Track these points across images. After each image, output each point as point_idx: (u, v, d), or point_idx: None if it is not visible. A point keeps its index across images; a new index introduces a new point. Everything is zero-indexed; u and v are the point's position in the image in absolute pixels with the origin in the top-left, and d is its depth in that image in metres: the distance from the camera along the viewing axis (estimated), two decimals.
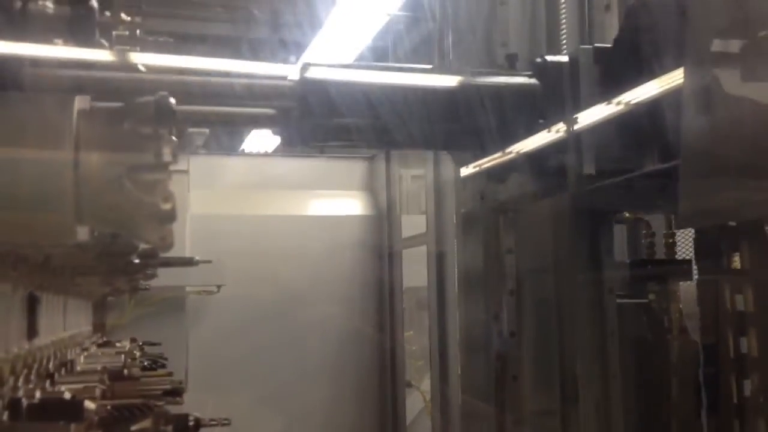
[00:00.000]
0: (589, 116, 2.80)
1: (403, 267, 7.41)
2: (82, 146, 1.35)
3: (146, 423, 2.08)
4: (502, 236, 3.01)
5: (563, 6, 3.24)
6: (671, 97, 2.52)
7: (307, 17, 7.79)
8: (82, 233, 1.41)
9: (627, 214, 3.32)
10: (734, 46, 2.14)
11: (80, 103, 1.40)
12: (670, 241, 3.17)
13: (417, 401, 7.37)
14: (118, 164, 1.36)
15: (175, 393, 2.78)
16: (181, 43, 8.34)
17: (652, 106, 2.60)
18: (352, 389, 7.48)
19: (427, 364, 6.74)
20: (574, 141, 2.80)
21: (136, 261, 2.91)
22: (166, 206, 1.39)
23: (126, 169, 1.35)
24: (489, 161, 3.03)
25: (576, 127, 2.76)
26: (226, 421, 2.68)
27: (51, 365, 3.05)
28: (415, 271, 6.69)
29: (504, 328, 3.04)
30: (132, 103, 1.39)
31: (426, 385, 6.92)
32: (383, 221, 7.60)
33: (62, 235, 1.41)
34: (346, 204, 7.81)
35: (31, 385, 2.47)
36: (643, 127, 2.67)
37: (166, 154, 1.39)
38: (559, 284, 2.90)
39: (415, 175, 8.00)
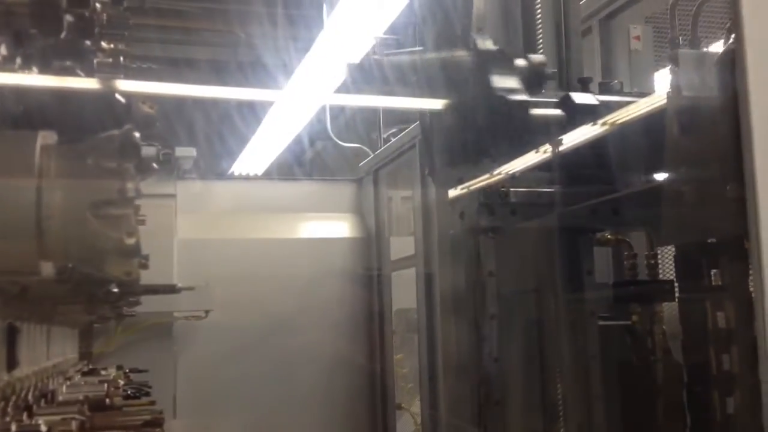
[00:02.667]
0: (573, 138, 2.82)
1: (392, 289, 7.39)
2: (46, 181, 1.34)
3: None
4: (483, 259, 2.93)
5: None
6: (648, 119, 2.54)
7: (294, 40, 7.83)
8: (47, 268, 1.39)
9: (609, 236, 3.33)
10: None
11: (44, 138, 1.39)
12: (652, 261, 3.17)
13: (407, 424, 7.32)
14: (82, 199, 1.35)
15: (155, 424, 2.75)
16: (169, 69, 8.36)
17: (630, 129, 2.63)
18: (342, 413, 7.43)
19: (417, 386, 6.71)
20: (554, 163, 2.82)
21: (116, 290, 2.88)
22: (130, 241, 1.38)
23: (90, 204, 1.34)
24: (472, 183, 3.03)
25: (560, 148, 2.78)
26: None
27: (30, 396, 3.02)
28: (404, 294, 6.67)
29: (487, 351, 3.01)
30: (96, 138, 1.38)
31: (416, 407, 6.88)
32: (372, 243, 7.58)
33: (26, 271, 1.40)
34: (335, 226, 7.80)
35: (7, 418, 2.45)
36: (623, 148, 2.68)
37: (131, 189, 1.38)
38: (540, 306, 2.90)
39: (404, 197, 7.99)
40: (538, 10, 3.05)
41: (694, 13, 2.72)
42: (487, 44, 2.41)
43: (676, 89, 2.33)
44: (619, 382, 2.92)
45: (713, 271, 2.72)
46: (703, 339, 2.61)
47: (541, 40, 2.99)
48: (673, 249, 3.07)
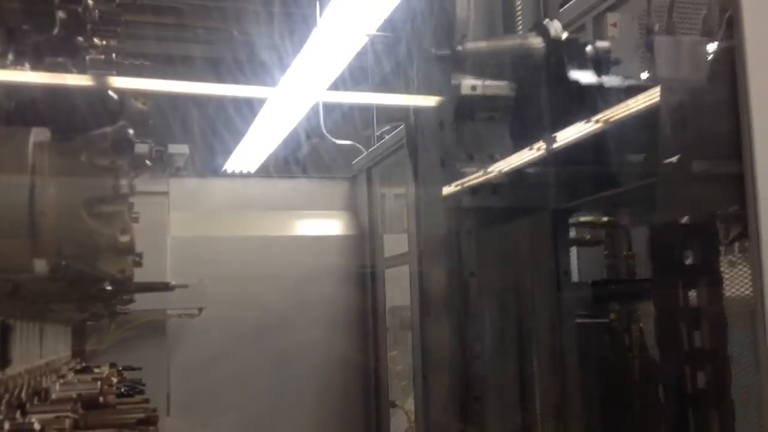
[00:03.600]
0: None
1: (386, 286, 7.39)
2: (39, 178, 1.34)
3: None
4: (465, 258, 2.99)
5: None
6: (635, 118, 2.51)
7: (287, 38, 7.81)
8: (40, 265, 1.39)
9: (588, 237, 3.32)
10: None
11: (37, 135, 1.38)
12: (630, 262, 3.17)
13: (401, 421, 7.32)
14: (76, 196, 1.34)
15: (149, 422, 2.74)
16: (164, 65, 8.34)
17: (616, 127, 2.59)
18: (337, 410, 7.43)
19: (411, 383, 6.71)
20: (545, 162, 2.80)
21: (109, 287, 2.87)
22: (124, 238, 1.37)
23: (83, 201, 1.33)
24: (461, 183, 3.01)
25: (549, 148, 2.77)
26: None
27: (24, 394, 3.00)
28: (398, 291, 6.67)
29: (468, 349, 3.01)
30: (90, 135, 1.37)
31: (410, 404, 6.88)
32: (365, 241, 7.58)
33: (20, 268, 1.39)
34: (328, 224, 7.79)
35: (0, 416, 2.44)
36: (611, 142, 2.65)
37: (124, 186, 1.37)
38: (519, 304, 2.92)
39: (397, 194, 7.99)
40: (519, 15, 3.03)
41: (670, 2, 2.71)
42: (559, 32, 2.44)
43: (652, 76, 2.36)
44: (596, 377, 2.93)
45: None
46: (677, 323, 2.68)
47: None
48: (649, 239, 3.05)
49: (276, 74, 7.90)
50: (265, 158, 9.68)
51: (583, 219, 3.11)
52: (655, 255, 2.85)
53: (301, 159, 10.98)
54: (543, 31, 2.47)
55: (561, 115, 2.44)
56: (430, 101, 5.14)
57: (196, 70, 8.68)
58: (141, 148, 2.85)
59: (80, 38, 2.68)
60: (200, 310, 6.87)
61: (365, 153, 7.73)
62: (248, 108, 8.51)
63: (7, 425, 2.28)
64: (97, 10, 2.63)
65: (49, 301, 3.32)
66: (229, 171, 9.83)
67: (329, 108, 8.39)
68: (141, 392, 3.72)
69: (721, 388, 2.61)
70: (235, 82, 8.39)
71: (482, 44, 2.55)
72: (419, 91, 2.97)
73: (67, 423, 2.47)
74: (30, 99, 2.14)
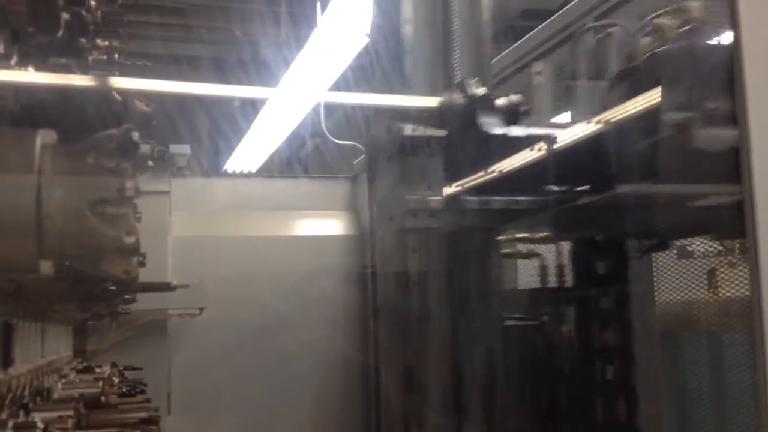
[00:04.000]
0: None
1: None
2: (45, 180, 1.35)
3: None
4: (409, 263, 3.51)
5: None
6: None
7: (288, 38, 7.82)
8: (46, 267, 1.40)
9: (523, 250, 3.76)
10: None
11: (44, 137, 1.39)
12: (560, 271, 3.43)
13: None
14: (81, 198, 1.35)
15: (151, 422, 2.75)
16: (165, 65, 8.35)
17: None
18: (337, 411, 7.42)
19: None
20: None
21: (112, 288, 2.88)
22: (129, 240, 1.38)
23: (89, 202, 1.35)
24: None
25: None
26: None
27: (26, 394, 3.02)
28: None
29: (409, 347, 3.49)
30: (95, 137, 1.39)
31: None
32: (366, 241, 7.58)
33: (26, 269, 1.40)
34: (330, 224, 7.78)
35: (3, 415, 2.45)
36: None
37: (130, 188, 1.39)
38: (456, 309, 3.35)
39: None
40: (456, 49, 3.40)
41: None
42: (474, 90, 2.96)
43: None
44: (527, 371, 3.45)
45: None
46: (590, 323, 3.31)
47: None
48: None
49: (277, 74, 7.92)
50: (266, 158, 9.69)
51: (519, 235, 3.59)
52: (574, 266, 3.48)
53: (303, 159, 10.99)
54: (463, 89, 3.04)
55: (477, 156, 2.94)
56: (431, 102, 5.17)
57: (198, 71, 8.70)
58: (143, 148, 2.86)
59: (83, 39, 2.70)
60: (201, 310, 6.87)
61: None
62: (249, 108, 8.53)
63: (10, 424, 2.29)
64: (99, 11, 2.64)
65: (52, 301, 3.34)
66: (230, 171, 9.85)
67: (330, 108, 8.40)
68: (143, 392, 3.73)
69: (626, 380, 3.22)
70: (237, 82, 8.41)
71: None
72: (373, 132, 3.34)
73: (70, 422, 2.48)
74: (34, 100, 2.16)
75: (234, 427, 6.86)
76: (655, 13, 2.85)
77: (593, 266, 3.24)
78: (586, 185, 2.74)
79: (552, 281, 3.67)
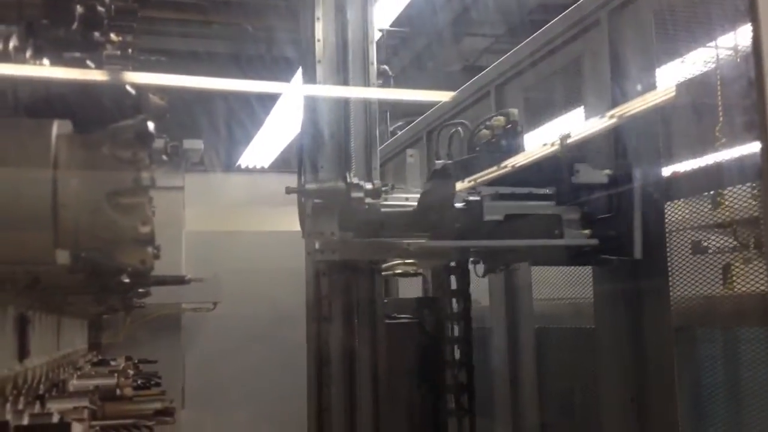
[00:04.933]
0: None
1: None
2: (61, 170, 1.35)
3: None
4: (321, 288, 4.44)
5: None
6: None
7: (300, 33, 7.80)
8: (63, 256, 1.40)
9: (412, 271, 5.03)
10: None
11: (60, 127, 1.40)
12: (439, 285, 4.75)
13: None
14: (97, 188, 1.36)
15: (167, 413, 2.77)
16: (179, 61, 8.37)
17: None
18: None
19: None
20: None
21: (127, 280, 2.90)
22: (145, 229, 1.39)
23: (105, 192, 1.35)
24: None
25: None
26: None
27: (42, 386, 3.04)
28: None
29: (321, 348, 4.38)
30: (111, 128, 1.39)
31: None
32: None
33: (42, 258, 1.41)
34: None
35: (20, 407, 2.47)
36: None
37: (145, 178, 1.39)
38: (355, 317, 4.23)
39: None
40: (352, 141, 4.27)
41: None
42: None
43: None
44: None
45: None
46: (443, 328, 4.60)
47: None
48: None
49: (291, 69, 7.92)
50: (278, 153, 9.70)
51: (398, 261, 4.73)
52: (433, 282, 5.00)
53: None
54: (344, 179, 3.95)
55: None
56: (443, 96, 5.15)
57: (213, 66, 8.71)
58: (157, 143, 2.87)
59: (97, 33, 2.71)
60: (215, 304, 6.91)
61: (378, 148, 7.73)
62: (262, 103, 8.54)
63: (26, 416, 2.31)
64: (113, 6, 2.65)
65: (68, 294, 3.36)
66: (243, 166, 9.87)
67: None
68: (157, 384, 3.75)
69: (468, 372, 4.47)
70: (249, 77, 8.42)
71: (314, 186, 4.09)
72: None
73: (86, 414, 2.50)
74: (48, 93, 2.17)
75: (246, 416, 6.89)
76: (490, 115, 4.21)
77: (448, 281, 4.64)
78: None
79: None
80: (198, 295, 6.67)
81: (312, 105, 4.34)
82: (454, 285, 4.57)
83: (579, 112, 4.39)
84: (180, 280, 4.83)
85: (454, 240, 3.69)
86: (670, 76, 3.79)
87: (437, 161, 4.21)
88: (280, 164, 9.69)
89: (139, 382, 3.74)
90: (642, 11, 3.74)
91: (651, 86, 3.67)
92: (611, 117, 3.71)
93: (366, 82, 4.45)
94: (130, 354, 5.08)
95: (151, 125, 1.41)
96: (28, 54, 2.35)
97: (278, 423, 7.03)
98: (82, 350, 5.23)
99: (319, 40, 4.32)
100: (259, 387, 7.04)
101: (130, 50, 3.08)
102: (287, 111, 8.10)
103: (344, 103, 4.30)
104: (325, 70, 4.35)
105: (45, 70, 2.33)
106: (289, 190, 4.25)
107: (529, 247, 3.73)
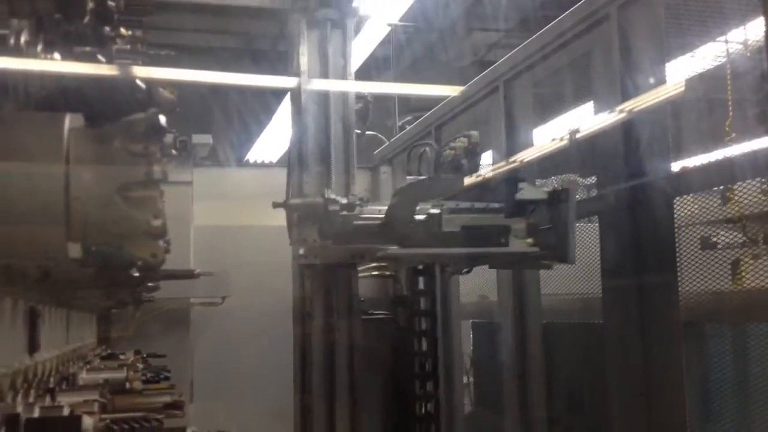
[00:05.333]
0: None
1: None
2: (74, 164, 1.36)
3: None
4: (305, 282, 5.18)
5: None
6: None
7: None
8: (74, 249, 1.41)
9: (387, 273, 5.69)
10: None
11: (72, 121, 1.41)
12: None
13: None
14: (109, 181, 1.37)
15: (176, 406, 2.78)
16: (186, 56, 8.37)
17: None
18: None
19: None
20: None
21: (136, 274, 2.91)
22: (157, 222, 1.39)
23: (117, 186, 1.36)
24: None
25: None
26: None
27: (52, 379, 3.05)
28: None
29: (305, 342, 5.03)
30: (122, 121, 1.40)
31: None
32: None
33: (55, 251, 1.42)
34: None
35: (30, 400, 2.48)
36: None
37: (157, 171, 1.39)
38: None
39: None
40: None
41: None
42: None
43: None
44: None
45: None
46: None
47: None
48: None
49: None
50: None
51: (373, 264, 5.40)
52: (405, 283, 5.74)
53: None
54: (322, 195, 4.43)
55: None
56: (453, 91, 5.14)
57: (223, 61, 8.71)
58: (166, 137, 2.88)
59: (108, 28, 2.72)
60: (224, 298, 6.93)
61: (387, 143, 7.73)
62: (270, 98, 8.53)
63: (37, 409, 2.32)
64: (123, 1, 2.66)
65: (78, 288, 3.37)
66: (251, 161, 9.87)
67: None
68: (167, 378, 3.76)
69: (433, 361, 5.37)
70: (259, 72, 8.42)
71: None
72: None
73: (96, 407, 2.51)
74: (59, 87, 2.17)
75: (253, 409, 6.91)
76: (455, 137, 4.64)
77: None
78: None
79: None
80: (207, 289, 6.69)
81: (299, 129, 4.97)
82: (421, 285, 5.43)
83: (588, 107, 4.38)
84: (189, 275, 4.84)
85: (417, 248, 4.17)
86: (680, 71, 3.78)
87: (408, 176, 4.90)
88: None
89: (148, 375, 3.76)
90: (652, 6, 3.73)
91: (661, 81, 3.66)
92: (621, 111, 3.70)
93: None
94: (139, 348, 5.10)
95: (162, 119, 1.42)
96: (40, 48, 2.36)
97: (287, 416, 7.04)
98: (92, 344, 5.25)
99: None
100: (267, 380, 7.06)
101: (139, 45, 3.09)
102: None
103: (325, 127, 4.93)
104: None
105: (56, 64, 2.34)
106: (275, 205, 4.64)
107: (481, 254, 4.19)
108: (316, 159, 4.86)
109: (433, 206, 4.11)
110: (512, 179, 4.13)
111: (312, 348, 4.83)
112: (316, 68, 4.99)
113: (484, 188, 4.23)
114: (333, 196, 4.33)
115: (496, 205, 4.08)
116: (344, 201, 4.30)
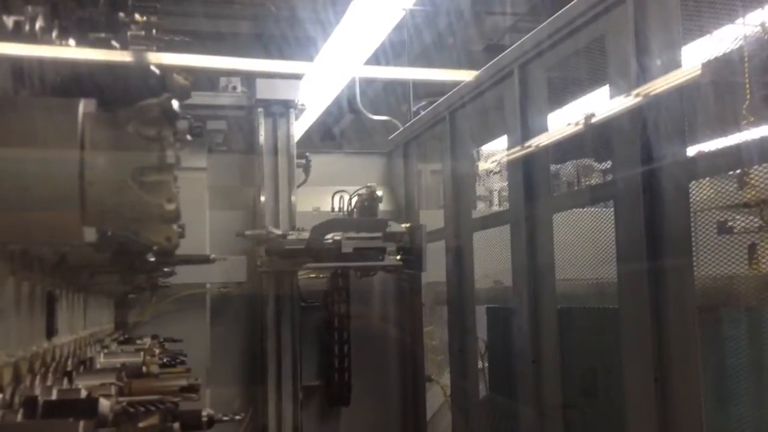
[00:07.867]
0: None
1: None
2: (88, 149, 1.37)
3: (154, 419, 2.10)
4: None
5: None
6: None
7: (324, 13, 7.80)
8: (90, 234, 1.42)
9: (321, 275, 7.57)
10: None
11: (86, 106, 1.42)
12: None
13: (437, 395, 7.37)
14: (124, 166, 1.38)
15: (192, 390, 2.80)
16: (200, 41, 8.38)
17: None
18: (373, 384, 7.50)
19: (447, 358, 6.74)
20: None
21: (152, 259, 2.93)
22: (170, 206, 1.40)
23: (131, 170, 1.37)
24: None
25: None
26: (239, 417, 2.70)
27: (70, 363, 3.08)
28: (433, 266, 6.65)
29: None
30: (136, 106, 1.40)
31: (446, 379, 6.92)
32: (401, 216, 7.60)
33: (70, 236, 1.43)
34: None
35: (48, 383, 2.51)
36: None
37: (170, 156, 1.40)
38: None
39: (434, 170, 7.98)
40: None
41: None
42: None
43: None
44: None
45: None
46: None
47: None
48: None
49: (313, 49, 7.91)
50: (302, 133, 9.69)
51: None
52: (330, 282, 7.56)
53: (338, 134, 10.99)
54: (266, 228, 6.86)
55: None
56: (467, 75, 5.12)
57: (237, 46, 8.72)
58: (180, 123, 2.90)
59: (122, 14, 2.72)
60: (239, 283, 6.98)
61: (402, 128, 7.73)
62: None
63: (55, 392, 2.34)
64: None
65: (95, 273, 3.40)
66: None
67: (366, 83, 8.39)
68: (183, 362, 3.79)
69: (347, 334, 7.34)
70: (274, 57, 8.43)
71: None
72: None
73: (113, 390, 2.54)
74: (74, 73, 2.19)
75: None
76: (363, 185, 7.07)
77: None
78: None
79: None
80: (222, 274, 6.73)
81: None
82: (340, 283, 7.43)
83: (603, 91, 4.36)
84: (205, 260, 4.87)
85: (329, 262, 6.41)
86: (696, 54, 3.75)
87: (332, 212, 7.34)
88: (301, 145, 9.69)
89: (164, 360, 3.79)
90: None
91: (676, 65, 3.63)
92: (637, 95, 3.68)
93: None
94: (156, 333, 5.13)
95: (176, 103, 1.42)
96: (54, 34, 2.37)
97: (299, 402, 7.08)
98: (109, 329, 5.30)
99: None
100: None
101: (154, 31, 3.10)
102: (309, 91, 8.10)
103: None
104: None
105: (71, 50, 2.35)
106: (237, 234, 6.61)
107: (368, 266, 6.69)
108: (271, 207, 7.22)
109: (335, 235, 6.21)
110: (381, 220, 6.43)
111: (266, 323, 6.97)
112: (271, 143, 7.25)
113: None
114: (271, 228, 6.62)
115: (377, 234, 6.23)
116: (279, 231, 6.58)
